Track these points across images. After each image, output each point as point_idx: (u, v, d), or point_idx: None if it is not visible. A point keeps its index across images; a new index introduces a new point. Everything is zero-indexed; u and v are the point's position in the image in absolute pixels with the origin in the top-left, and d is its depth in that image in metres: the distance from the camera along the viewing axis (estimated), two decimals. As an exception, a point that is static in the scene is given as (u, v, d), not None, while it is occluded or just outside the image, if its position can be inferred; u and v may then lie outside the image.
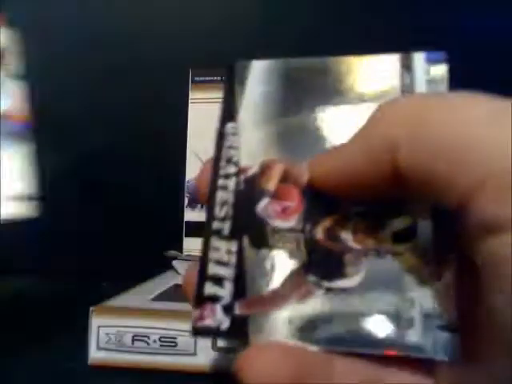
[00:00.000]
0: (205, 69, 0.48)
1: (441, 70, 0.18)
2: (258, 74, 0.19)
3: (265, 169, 0.18)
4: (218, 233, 0.18)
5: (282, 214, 0.17)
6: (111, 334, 0.30)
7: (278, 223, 0.17)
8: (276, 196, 0.18)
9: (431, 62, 0.18)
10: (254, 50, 0.50)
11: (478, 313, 0.15)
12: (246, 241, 0.17)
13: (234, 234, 0.17)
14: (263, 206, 0.18)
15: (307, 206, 0.17)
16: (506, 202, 0.12)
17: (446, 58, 0.18)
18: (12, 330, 0.36)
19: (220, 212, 0.18)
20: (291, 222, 0.17)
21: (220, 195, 0.18)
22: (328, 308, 0.16)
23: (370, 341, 0.16)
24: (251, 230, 0.17)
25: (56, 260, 0.53)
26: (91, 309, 0.30)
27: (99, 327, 0.30)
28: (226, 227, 0.18)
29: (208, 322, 0.16)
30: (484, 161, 0.13)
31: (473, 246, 0.14)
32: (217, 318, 0.16)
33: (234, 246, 0.17)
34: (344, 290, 0.16)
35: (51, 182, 0.54)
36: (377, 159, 0.15)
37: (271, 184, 0.18)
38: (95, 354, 0.30)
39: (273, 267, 0.17)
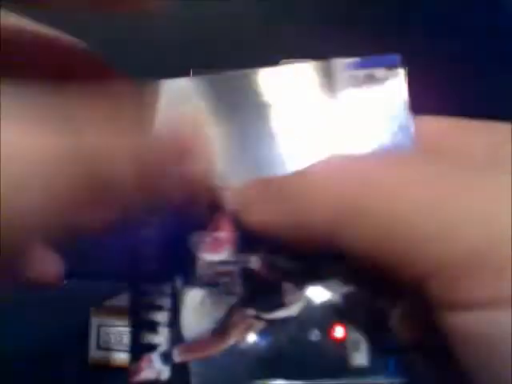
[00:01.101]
0: (205, 69, 0.48)
1: (397, 74, 0.17)
2: (176, 94, 0.18)
3: (192, 199, 0.17)
4: (147, 275, 0.16)
5: (212, 246, 0.16)
6: (111, 333, 0.30)
7: (210, 257, 0.16)
8: (206, 227, 0.16)
9: (387, 65, 0.17)
10: (253, 50, 0.50)
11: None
12: (178, 280, 0.16)
13: (165, 275, 0.16)
14: (192, 240, 0.16)
15: (240, 235, 0.16)
16: (461, 288, 0.12)
17: (402, 61, 0.17)
18: (12, 330, 0.36)
19: (146, 251, 0.16)
20: (223, 254, 0.16)
21: (143, 233, 0.17)
22: (269, 342, 0.15)
23: (316, 370, 0.15)
24: (182, 267, 0.16)
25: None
26: (91, 308, 0.30)
27: (99, 327, 0.30)
28: (155, 267, 0.16)
29: (146, 374, 0.15)
30: (434, 249, 0.12)
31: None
32: (155, 368, 0.15)
33: (167, 288, 0.16)
34: (285, 321, 0.15)
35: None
36: (314, 235, 0.14)
37: (200, 215, 0.17)
38: (95, 354, 0.30)
39: (209, 306, 0.16)
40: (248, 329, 0.16)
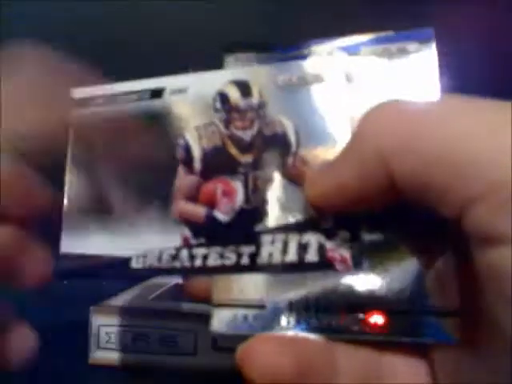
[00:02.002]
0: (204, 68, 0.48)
1: (430, 49, 0.17)
2: None
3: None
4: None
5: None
6: (111, 333, 0.30)
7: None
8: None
9: (419, 40, 0.18)
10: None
11: (477, 301, 0.15)
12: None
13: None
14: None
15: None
16: (506, 214, 0.12)
17: (434, 35, 0.17)
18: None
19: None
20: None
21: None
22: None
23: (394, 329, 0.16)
24: None
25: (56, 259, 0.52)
26: (91, 308, 0.30)
27: (99, 326, 0.30)
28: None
29: None
30: (482, 174, 0.12)
31: (471, 253, 0.14)
32: None
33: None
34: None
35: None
36: (371, 173, 0.14)
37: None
38: (95, 354, 0.30)
39: None
40: None
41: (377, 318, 0.16)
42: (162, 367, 0.29)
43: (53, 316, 0.39)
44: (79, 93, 0.21)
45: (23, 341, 0.19)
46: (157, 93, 0.20)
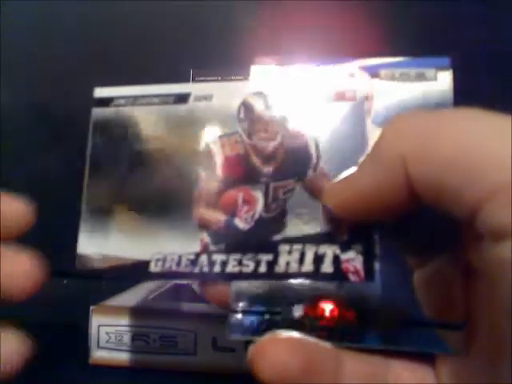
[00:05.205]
0: (206, 69, 0.48)
1: (446, 76, 0.18)
2: None
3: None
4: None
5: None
6: (111, 333, 0.30)
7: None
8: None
9: (436, 67, 0.18)
10: (253, 50, 0.50)
11: (479, 311, 0.15)
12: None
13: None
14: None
15: None
16: None
17: (451, 64, 0.18)
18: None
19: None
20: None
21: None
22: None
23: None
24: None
25: (55, 259, 0.52)
26: (91, 308, 0.30)
27: (99, 326, 0.30)
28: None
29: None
30: (494, 172, 0.13)
31: (480, 253, 0.14)
32: None
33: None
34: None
35: (51, 182, 0.54)
36: (391, 176, 0.15)
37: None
38: (95, 353, 0.30)
39: None
40: None
41: (386, 328, 0.16)
42: (162, 367, 0.29)
43: (53, 316, 0.39)
44: (100, 92, 0.21)
45: (17, 347, 0.19)
46: (181, 98, 0.20)
